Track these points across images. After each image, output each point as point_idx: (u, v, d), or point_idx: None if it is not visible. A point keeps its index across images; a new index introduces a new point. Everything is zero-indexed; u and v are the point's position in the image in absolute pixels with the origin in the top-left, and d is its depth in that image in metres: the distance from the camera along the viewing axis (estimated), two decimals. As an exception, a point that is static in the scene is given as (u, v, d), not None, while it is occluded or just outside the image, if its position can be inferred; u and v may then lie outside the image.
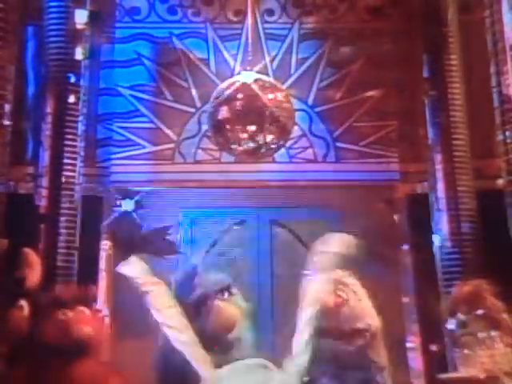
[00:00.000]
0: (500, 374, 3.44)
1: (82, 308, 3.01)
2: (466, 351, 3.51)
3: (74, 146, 6.12)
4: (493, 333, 3.35)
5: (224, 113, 5.38)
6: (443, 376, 4.32)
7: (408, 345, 6.31)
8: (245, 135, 5.33)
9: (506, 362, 3.61)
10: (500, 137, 5.44)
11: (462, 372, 3.71)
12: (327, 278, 2.69)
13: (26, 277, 2.99)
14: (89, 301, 3.14)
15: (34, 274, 3.03)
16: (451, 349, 3.91)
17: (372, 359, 2.52)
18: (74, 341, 2.82)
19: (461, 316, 3.38)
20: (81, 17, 6.31)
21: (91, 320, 3.00)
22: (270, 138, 5.39)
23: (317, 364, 2.59)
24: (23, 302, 2.90)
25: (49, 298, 3.09)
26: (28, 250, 3.18)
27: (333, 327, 2.56)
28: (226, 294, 3.10)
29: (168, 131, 6.84)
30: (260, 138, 5.34)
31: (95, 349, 2.88)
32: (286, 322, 3.22)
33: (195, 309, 3.10)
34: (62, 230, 5.86)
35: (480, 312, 3.28)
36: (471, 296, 3.34)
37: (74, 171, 6.07)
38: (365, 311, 2.61)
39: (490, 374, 3.48)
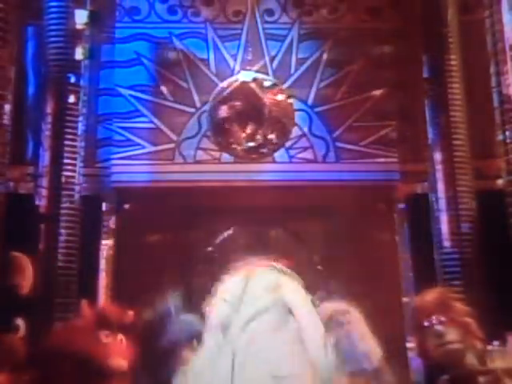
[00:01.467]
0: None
1: (122, 336, 2.85)
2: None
3: (74, 146, 6.12)
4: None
5: (224, 113, 5.40)
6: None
7: (408, 345, 6.30)
8: (244, 135, 5.34)
9: None
10: (500, 137, 5.44)
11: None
12: (322, 315, 2.54)
13: (18, 284, 2.84)
14: (129, 330, 2.96)
15: (26, 280, 2.90)
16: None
17: None
18: (107, 368, 2.68)
19: (436, 327, 3.29)
20: (81, 17, 6.32)
21: (127, 353, 2.84)
22: (269, 137, 5.40)
23: None
24: (19, 321, 2.75)
25: (95, 314, 2.91)
26: (18, 254, 3.07)
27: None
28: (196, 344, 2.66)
29: (168, 131, 6.85)
30: (260, 138, 5.35)
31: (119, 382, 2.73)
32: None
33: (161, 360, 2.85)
34: (62, 230, 5.86)
35: (448, 317, 3.23)
36: (438, 303, 3.27)
37: (74, 171, 6.07)
38: (357, 355, 2.51)
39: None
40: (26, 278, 2.90)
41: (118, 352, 2.74)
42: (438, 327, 3.13)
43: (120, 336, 2.82)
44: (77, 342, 2.71)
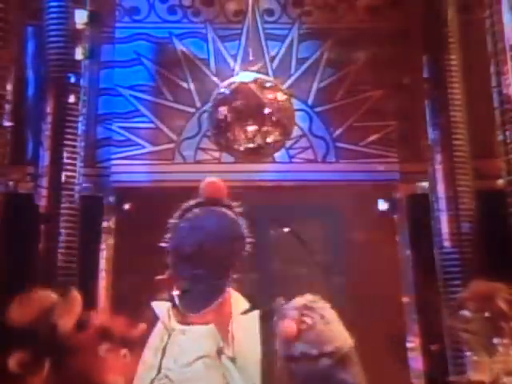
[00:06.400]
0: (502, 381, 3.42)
1: (125, 352, 2.75)
2: (475, 356, 3.48)
3: (74, 146, 6.11)
4: (495, 339, 3.33)
5: (224, 113, 5.38)
6: (453, 379, 4.32)
7: (408, 345, 6.30)
8: (244, 135, 5.33)
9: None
10: (500, 137, 5.44)
11: (470, 376, 3.69)
12: (292, 305, 2.70)
13: (62, 325, 2.69)
14: (134, 345, 2.86)
15: (70, 322, 2.73)
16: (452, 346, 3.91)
17: (345, 380, 2.51)
18: None
19: (466, 312, 3.38)
20: (81, 17, 6.31)
21: (126, 370, 2.75)
22: (269, 138, 5.39)
23: None
24: (46, 361, 2.62)
25: (99, 326, 2.80)
26: (76, 293, 2.90)
27: (299, 354, 2.55)
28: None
29: (168, 131, 6.85)
30: (260, 138, 5.34)
31: None
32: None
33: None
34: (62, 230, 5.86)
35: (486, 314, 3.27)
36: (482, 296, 3.33)
37: (74, 171, 6.07)
38: (333, 334, 2.59)
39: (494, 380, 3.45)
40: (72, 319, 2.73)
41: (116, 368, 2.65)
42: (467, 313, 3.19)
43: (123, 351, 2.72)
44: (76, 355, 2.63)
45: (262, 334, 2.94)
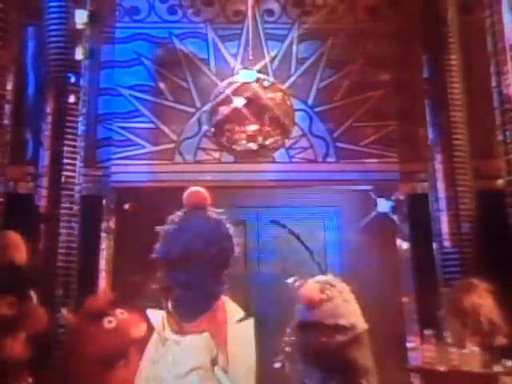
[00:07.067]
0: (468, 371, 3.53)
1: (120, 310, 2.95)
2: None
3: (74, 146, 6.12)
4: (464, 331, 3.42)
5: (224, 113, 5.39)
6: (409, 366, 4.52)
7: (408, 345, 6.30)
8: (244, 135, 5.34)
9: (474, 361, 3.72)
10: (500, 137, 5.44)
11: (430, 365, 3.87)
12: (315, 279, 2.75)
13: (19, 260, 2.92)
14: (121, 303, 3.04)
15: (22, 254, 2.97)
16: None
17: (355, 359, 2.54)
18: (127, 344, 2.76)
19: (442, 311, 3.52)
20: (81, 17, 6.31)
21: (135, 319, 2.93)
22: (269, 137, 5.40)
23: (303, 364, 2.61)
24: (31, 293, 2.83)
25: (87, 311, 3.00)
26: (9, 232, 3.13)
27: (315, 321, 2.60)
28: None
29: (168, 131, 6.85)
30: (260, 138, 5.35)
31: (137, 350, 2.82)
32: (283, 321, 3.24)
33: None
34: (62, 230, 5.86)
35: (456, 310, 3.37)
36: (458, 293, 3.42)
37: (74, 171, 6.07)
38: (349, 311, 2.64)
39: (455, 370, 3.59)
40: (20, 251, 2.97)
41: (127, 325, 2.84)
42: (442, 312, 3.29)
43: (118, 311, 2.93)
44: (85, 343, 2.77)
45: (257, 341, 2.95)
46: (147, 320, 3.03)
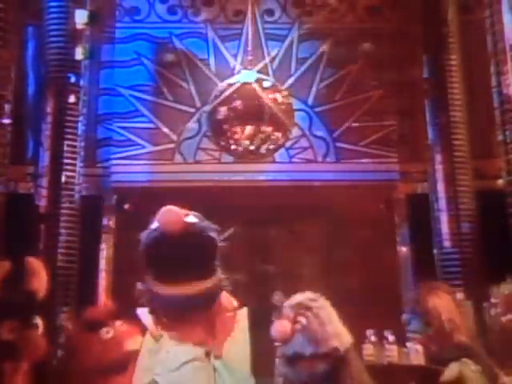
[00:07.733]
0: None
1: (119, 322, 2.95)
2: None
3: (74, 146, 6.12)
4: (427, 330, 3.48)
5: (224, 113, 5.39)
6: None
7: (408, 345, 6.30)
8: (244, 135, 5.34)
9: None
10: (500, 137, 5.44)
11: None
12: (289, 303, 2.68)
13: (35, 288, 2.91)
14: (120, 314, 3.05)
15: (41, 284, 2.95)
16: None
17: (345, 380, 2.49)
18: (123, 355, 2.76)
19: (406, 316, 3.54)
20: (81, 17, 6.31)
21: (132, 331, 2.93)
22: (269, 137, 5.40)
23: None
24: (38, 320, 2.83)
25: (85, 321, 3.01)
26: (31, 259, 3.11)
27: (294, 354, 2.54)
28: None
29: (168, 131, 6.85)
30: (260, 138, 5.35)
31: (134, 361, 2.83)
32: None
33: None
34: (62, 230, 5.86)
35: (419, 312, 3.39)
36: (422, 295, 3.44)
37: (74, 171, 6.07)
38: (328, 334, 2.55)
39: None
40: (42, 281, 2.95)
41: (127, 336, 2.84)
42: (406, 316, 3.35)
43: (118, 322, 2.93)
44: (81, 353, 2.79)
45: (251, 331, 2.93)
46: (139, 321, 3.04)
